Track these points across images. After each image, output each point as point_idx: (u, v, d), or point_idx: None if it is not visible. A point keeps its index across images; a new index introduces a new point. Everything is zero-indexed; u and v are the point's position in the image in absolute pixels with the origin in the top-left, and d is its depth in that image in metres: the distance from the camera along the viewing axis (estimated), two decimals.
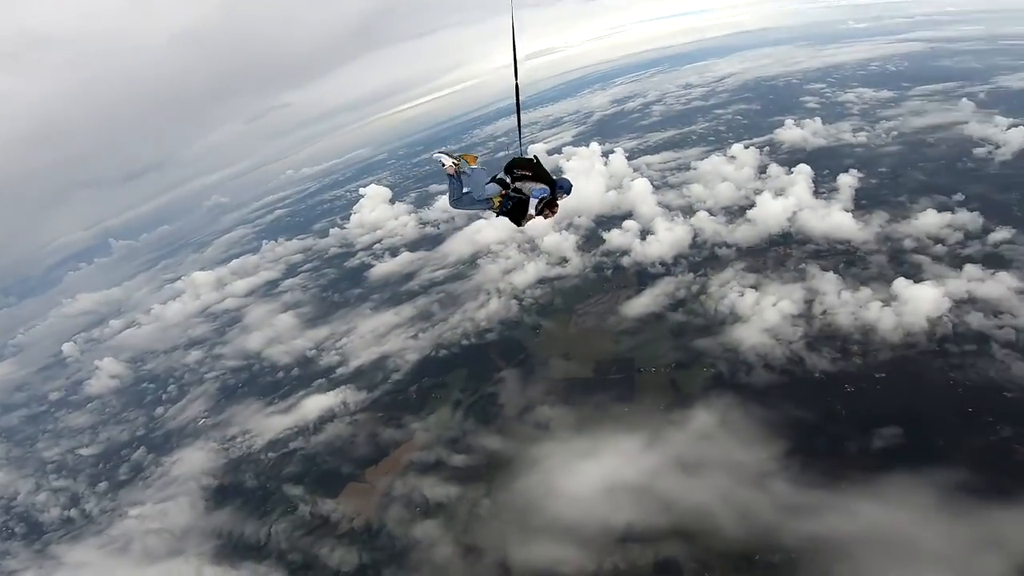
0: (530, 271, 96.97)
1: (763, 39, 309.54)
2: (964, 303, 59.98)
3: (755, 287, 74.62)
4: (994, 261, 65.18)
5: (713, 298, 76.01)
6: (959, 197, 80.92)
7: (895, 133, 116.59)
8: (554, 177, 12.09)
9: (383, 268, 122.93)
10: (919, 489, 41.99)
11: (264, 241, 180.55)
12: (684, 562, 41.83)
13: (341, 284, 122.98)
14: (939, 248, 71.96)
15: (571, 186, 12.34)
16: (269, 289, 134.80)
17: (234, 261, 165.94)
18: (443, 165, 12.25)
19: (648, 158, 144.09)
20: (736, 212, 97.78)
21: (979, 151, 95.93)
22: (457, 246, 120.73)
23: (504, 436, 60.67)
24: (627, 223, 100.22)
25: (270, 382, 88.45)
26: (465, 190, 12.40)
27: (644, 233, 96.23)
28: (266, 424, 75.75)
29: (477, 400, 68.33)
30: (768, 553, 40.72)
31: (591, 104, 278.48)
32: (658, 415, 57.95)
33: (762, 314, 68.36)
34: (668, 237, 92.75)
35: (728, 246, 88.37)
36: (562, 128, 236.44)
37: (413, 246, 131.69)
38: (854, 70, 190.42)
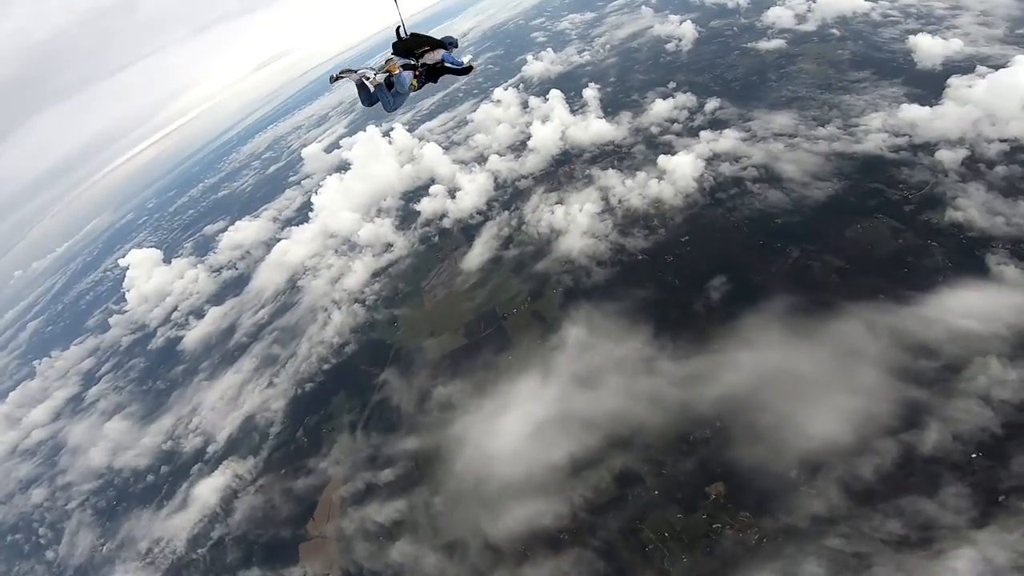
0: (359, 270, 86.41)
1: None
2: (712, 160, 69.27)
3: (560, 202, 77.32)
4: (717, 124, 76.58)
5: (531, 225, 76.78)
6: (672, 85, 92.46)
7: (608, 47, 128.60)
8: (439, 38, 12.56)
9: (195, 334, 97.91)
10: (767, 324, 45.31)
11: (35, 363, 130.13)
12: (638, 467, 41.09)
13: (157, 370, 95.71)
14: (676, 126, 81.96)
15: (455, 39, 12.67)
16: (76, 406, 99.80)
17: (11, 395, 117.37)
18: (367, 79, 11.86)
19: (428, 124, 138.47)
20: (519, 147, 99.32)
21: (669, 46, 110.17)
22: (268, 277, 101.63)
23: (417, 433, 54.09)
24: (433, 188, 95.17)
25: (144, 488, 69.09)
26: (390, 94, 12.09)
27: (452, 192, 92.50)
28: (172, 526, 60.58)
29: (371, 413, 59.54)
30: (697, 429, 41.36)
31: (351, 92, 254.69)
32: (538, 348, 56.55)
33: (575, 221, 71.20)
34: (473, 188, 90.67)
35: (525, 177, 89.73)
36: (331, 123, 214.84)
37: (217, 298, 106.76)
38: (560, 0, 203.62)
